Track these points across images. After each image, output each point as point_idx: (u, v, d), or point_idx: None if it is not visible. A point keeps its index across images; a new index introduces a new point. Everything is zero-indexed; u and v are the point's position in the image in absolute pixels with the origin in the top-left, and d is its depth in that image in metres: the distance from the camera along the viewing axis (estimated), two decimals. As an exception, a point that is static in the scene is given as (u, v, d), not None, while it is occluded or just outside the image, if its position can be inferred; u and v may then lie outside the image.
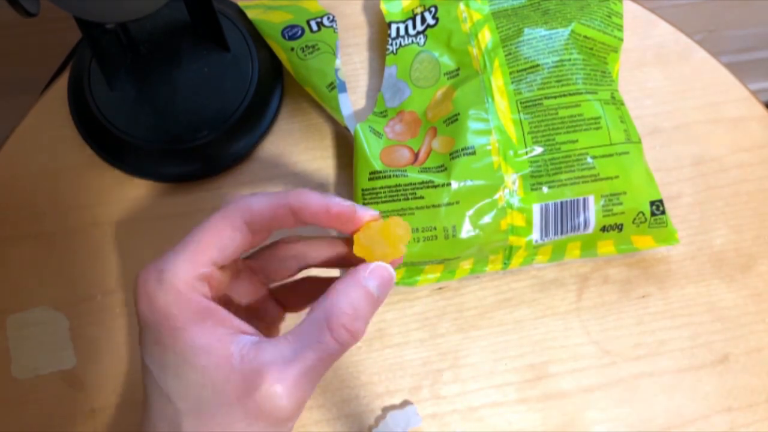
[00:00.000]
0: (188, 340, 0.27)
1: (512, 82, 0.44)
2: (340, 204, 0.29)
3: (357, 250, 0.30)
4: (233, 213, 0.29)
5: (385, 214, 0.42)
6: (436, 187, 0.41)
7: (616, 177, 0.42)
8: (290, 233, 0.33)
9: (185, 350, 0.27)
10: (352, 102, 0.49)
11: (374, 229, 0.30)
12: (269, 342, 0.27)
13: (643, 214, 0.43)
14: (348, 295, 0.28)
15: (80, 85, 0.46)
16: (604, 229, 0.43)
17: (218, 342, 0.27)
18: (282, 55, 0.48)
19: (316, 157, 0.48)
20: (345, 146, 0.48)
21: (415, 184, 0.42)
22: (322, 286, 0.32)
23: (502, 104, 0.44)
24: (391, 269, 0.29)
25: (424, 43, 0.48)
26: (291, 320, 0.34)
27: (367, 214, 0.30)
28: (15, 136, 0.48)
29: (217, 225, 0.29)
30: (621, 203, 0.42)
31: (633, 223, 0.43)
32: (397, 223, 0.30)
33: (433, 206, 0.41)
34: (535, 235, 0.42)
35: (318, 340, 0.27)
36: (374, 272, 0.29)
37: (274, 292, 0.35)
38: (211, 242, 0.28)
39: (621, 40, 0.46)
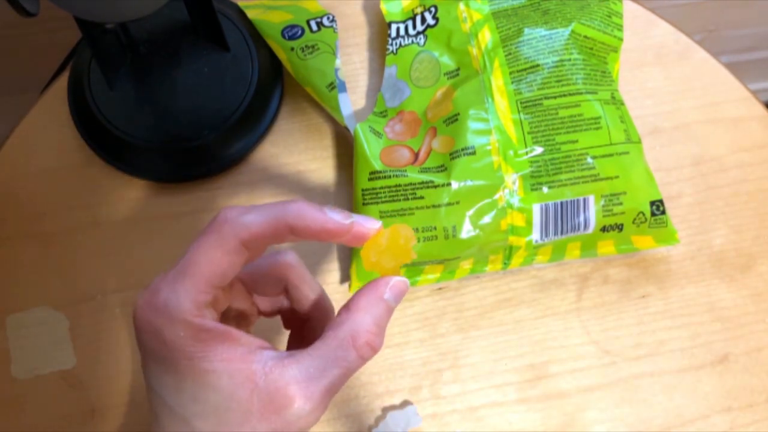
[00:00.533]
0: (207, 366, 0.27)
1: (512, 82, 0.44)
2: (337, 223, 0.29)
3: (367, 266, 0.30)
4: (229, 235, 0.27)
5: (386, 215, 0.41)
6: (436, 187, 0.41)
7: (616, 177, 0.42)
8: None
9: (205, 375, 0.27)
10: (352, 102, 0.49)
11: (380, 242, 0.30)
12: (292, 358, 0.27)
13: (643, 214, 0.43)
14: (371, 312, 0.28)
15: (80, 85, 0.46)
16: (604, 229, 0.43)
17: (239, 362, 0.27)
18: (282, 55, 0.48)
19: (316, 157, 0.48)
20: (345, 146, 0.48)
21: (415, 184, 0.42)
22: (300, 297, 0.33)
23: (502, 104, 0.44)
24: (407, 281, 0.30)
25: (424, 43, 0.48)
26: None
27: (369, 229, 0.29)
28: (15, 136, 0.48)
29: (215, 250, 0.27)
30: (621, 203, 0.42)
31: (633, 223, 0.43)
32: (399, 231, 0.30)
33: (433, 206, 0.41)
34: (535, 235, 0.42)
35: (344, 358, 0.27)
36: (394, 287, 0.29)
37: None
38: (210, 268, 0.27)
39: (621, 40, 0.46)
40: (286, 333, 0.45)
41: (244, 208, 0.28)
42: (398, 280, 0.29)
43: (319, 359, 0.27)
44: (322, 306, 0.33)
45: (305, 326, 0.33)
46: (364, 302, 0.29)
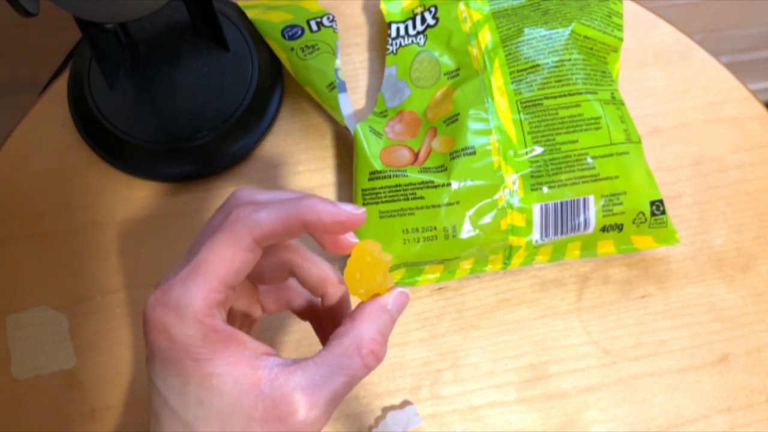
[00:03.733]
0: (213, 370, 0.26)
1: (512, 82, 0.44)
2: (350, 213, 0.29)
3: (353, 291, 0.30)
4: (242, 233, 0.27)
5: (386, 216, 0.41)
6: (436, 187, 0.41)
7: (616, 177, 0.42)
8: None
9: (210, 378, 0.26)
10: (352, 102, 0.49)
11: (352, 267, 0.30)
12: (298, 366, 0.27)
13: (643, 214, 0.43)
14: (375, 322, 0.29)
15: (80, 85, 0.46)
16: (604, 229, 0.43)
17: (245, 367, 0.27)
18: (282, 55, 0.48)
19: (316, 157, 0.48)
20: (345, 146, 0.48)
21: (415, 184, 0.42)
22: (303, 292, 0.34)
23: (502, 104, 0.44)
24: (408, 293, 0.31)
25: (424, 43, 0.48)
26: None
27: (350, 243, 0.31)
28: (15, 136, 0.48)
29: (228, 248, 0.27)
30: (621, 203, 0.42)
31: (633, 223, 0.43)
32: (366, 248, 0.30)
33: (433, 206, 0.41)
34: (535, 235, 0.42)
35: (349, 365, 0.28)
36: (397, 298, 0.30)
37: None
38: (223, 266, 0.27)
39: (621, 40, 0.46)
40: (289, 335, 0.45)
41: (255, 206, 0.28)
42: (400, 291, 0.30)
43: (324, 367, 0.27)
44: (331, 281, 0.32)
45: (324, 315, 0.33)
46: (368, 312, 0.29)
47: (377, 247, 0.30)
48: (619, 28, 0.46)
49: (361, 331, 0.28)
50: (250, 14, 0.49)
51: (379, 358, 0.29)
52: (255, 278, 0.33)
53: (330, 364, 0.28)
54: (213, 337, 0.26)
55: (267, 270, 0.32)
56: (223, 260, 0.27)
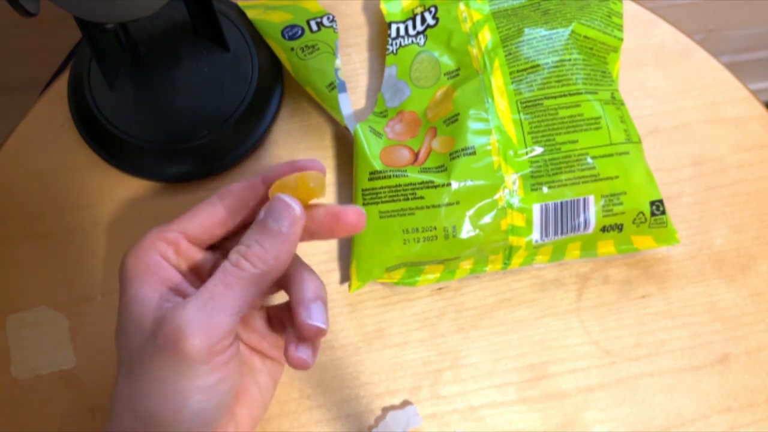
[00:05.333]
0: (132, 291, 0.29)
1: (512, 82, 0.44)
2: (304, 161, 0.32)
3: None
4: (212, 196, 0.32)
5: (386, 216, 0.41)
6: (436, 187, 0.41)
7: (616, 177, 0.42)
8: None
9: (128, 299, 0.29)
10: (352, 102, 0.49)
11: (287, 183, 0.31)
12: (192, 297, 0.29)
13: (643, 214, 0.43)
14: (251, 230, 0.30)
15: (80, 85, 0.46)
16: (604, 229, 0.43)
17: (155, 295, 0.29)
18: (282, 55, 0.48)
19: (316, 157, 0.48)
20: (345, 146, 0.48)
21: (415, 184, 0.42)
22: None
23: (502, 104, 0.44)
24: (289, 201, 0.30)
25: (424, 43, 0.48)
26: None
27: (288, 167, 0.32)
28: (15, 136, 0.48)
29: (197, 205, 0.32)
30: (621, 203, 0.42)
31: (633, 223, 0.43)
32: (309, 177, 0.31)
33: (433, 206, 0.41)
34: (535, 235, 0.42)
35: (233, 275, 0.29)
36: (271, 207, 0.30)
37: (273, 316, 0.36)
38: (184, 216, 0.32)
39: (621, 40, 0.46)
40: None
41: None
42: (276, 199, 0.30)
43: (207, 292, 0.28)
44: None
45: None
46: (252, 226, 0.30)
47: (318, 189, 0.31)
48: (619, 28, 0.46)
49: (240, 242, 0.30)
50: (250, 14, 0.49)
51: (263, 259, 0.29)
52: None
53: (215, 284, 0.29)
54: (143, 261, 0.30)
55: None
56: (189, 211, 0.32)
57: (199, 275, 0.33)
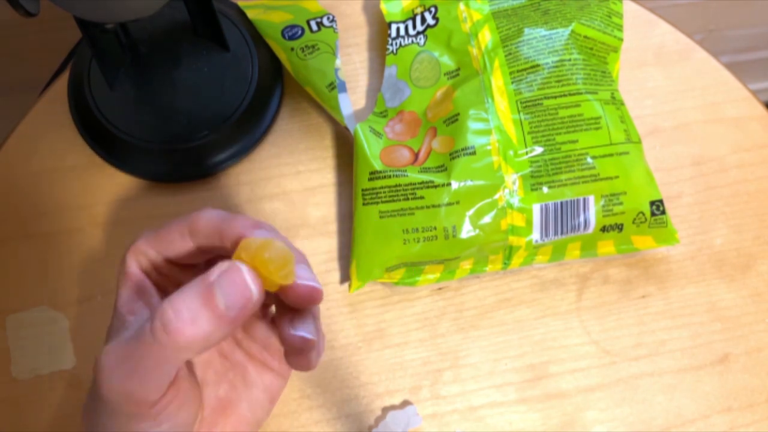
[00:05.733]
0: (117, 296, 0.30)
1: (512, 82, 0.44)
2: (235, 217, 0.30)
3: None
4: (184, 218, 0.30)
5: (386, 215, 0.41)
6: (436, 187, 0.41)
7: (616, 177, 0.42)
8: None
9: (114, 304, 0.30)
10: (352, 102, 0.49)
11: (255, 255, 0.26)
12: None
13: (643, 214, 0.43)
14: (185, 293, 0.25)
15: (80, 85, 0.46)
16: (604, 229, 0.43)
17: (123, 308, 0.30)
18: (282, 55, 0.48)
19: (316, 157, 0.48)
20: (345, 146, 0.48)
21: (415, 184, 0.42)
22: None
23: (502, 104, 0.44)
24: (249, 280, 0.26)
25: (424, 43, 0.48)
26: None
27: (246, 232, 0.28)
28: (15, 136, 0.48)
29: (169, 224, 0.31)
30: (621, 203, 0.42)
31: (633, 223, 0.43)
32: (280, 260, 0.26)
33: (433, 206, 0.41)
34: (535, 235, 0.42)
35: (143, 331, 0.25)
36: (226, 277, 0.25)
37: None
38: (159, 237, 0.31)
39: (621, 40, 0.46)
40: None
41: (211, 208, 0.31)
42: (231, 267, 0.25)
43: (134, 345, 0.26)
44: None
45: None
46: (187, 285, 0.26)
47: (281, 265, 0.26)
48: (619, 28, 0.46)
49: (168, 299, 0.25)
50: (250, 14, 0.49)
51: (191, 339, 0.24)
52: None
53: (136, 345, 0.25)
54: (122, 272, 0.31)
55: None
56: (163, 229, 0.31)
57: (176, 282, 0.31)
